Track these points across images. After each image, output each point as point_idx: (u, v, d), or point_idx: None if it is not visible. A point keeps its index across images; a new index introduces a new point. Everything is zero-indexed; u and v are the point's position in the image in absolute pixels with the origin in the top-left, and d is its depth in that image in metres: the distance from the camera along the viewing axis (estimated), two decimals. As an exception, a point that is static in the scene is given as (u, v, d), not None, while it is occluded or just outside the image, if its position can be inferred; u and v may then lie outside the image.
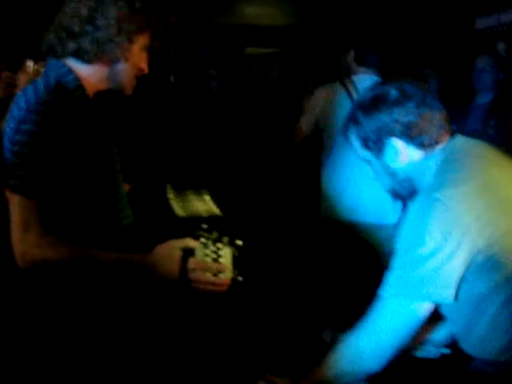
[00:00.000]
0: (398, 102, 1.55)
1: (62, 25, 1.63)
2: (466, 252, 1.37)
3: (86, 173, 1.63)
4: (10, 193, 1.56)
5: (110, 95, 1.78)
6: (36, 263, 1.56)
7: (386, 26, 6.01)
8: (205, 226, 1.72)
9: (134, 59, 1.70)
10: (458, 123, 3.77)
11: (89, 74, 1.68)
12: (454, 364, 1.69)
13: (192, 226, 1.72)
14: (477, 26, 5.20)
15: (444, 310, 1.54)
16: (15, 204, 1.55)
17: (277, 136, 4.12)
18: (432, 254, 1.37)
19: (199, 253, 1.68)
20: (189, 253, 1.65)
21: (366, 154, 1.65)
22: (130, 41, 1.66)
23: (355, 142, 1.66)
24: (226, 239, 1.71)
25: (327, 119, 3.39)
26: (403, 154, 1.57)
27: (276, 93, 4.27)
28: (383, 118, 1.56)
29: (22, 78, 2.63)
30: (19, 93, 1.66)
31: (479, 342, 1.48)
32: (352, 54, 3.53)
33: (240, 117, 4.60)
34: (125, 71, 1.70)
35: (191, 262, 1.64)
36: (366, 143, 1.62)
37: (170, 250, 1.64)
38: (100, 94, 1.74)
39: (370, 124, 1.59)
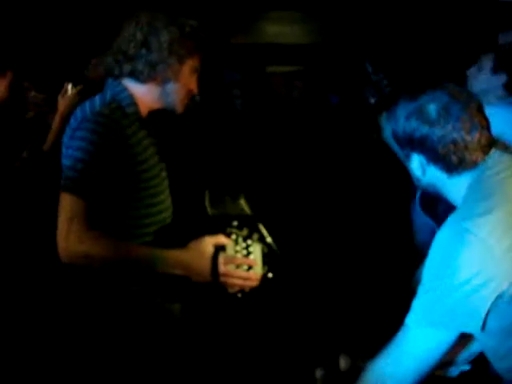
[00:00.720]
0: (433, 123, 1.48)
1: (120, 49, 1.81)
2: (497, 285, 1.34)
3: (132, 181, 1.78)
4: (61, 192, 1.70)
5: (163, 116, 1.92)
6: (78, 258, 1.68)
7: (408, 43, 6.02)
8: (235, 223, 1.80)
9: (185, 80, 1.85)
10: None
11: (143, 93, 1.83)
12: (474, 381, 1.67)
13: (223, 223, 1.79)
14: (500, 41, 5.17)
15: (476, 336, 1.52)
16: (64, 202, 1.69)
17: (299, 152, 4.14)
18: (462, 285, 1.35)
19: (230, 249, 1.77)
20: (220, 249, 1.75)
21: (394, 145, 1.61)
22: (181, 62, 1.82)
23: (386, 130, 1.62)
24: (256, 236, 1.80)
25: None
26: (424, 170, 1.55)
27: (299, 110, 4.29)
28: (413, 131, 1.51)
29: (61, 102, 2.76)
30: (82, 104, 1.83)
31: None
32: None
33: (265, 134, 4.63)
34: (176, 91, 1.85)
35: (222, 257, 1.74)
36: (396, 141, 1.58)
37: (203, 246, 1.76)
38: (154, 114, 1.89)
39: (404, 129, 1.53)
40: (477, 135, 1.48)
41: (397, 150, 1.62)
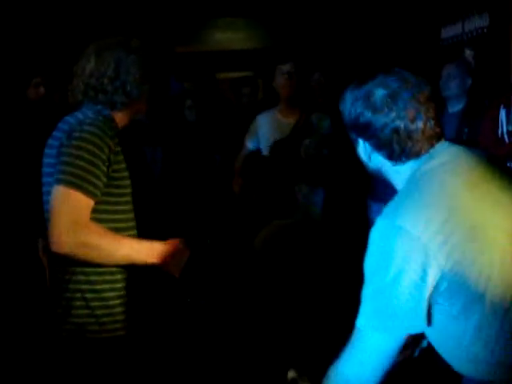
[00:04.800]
0: (375, 110, 1.45)
1: (91, 86, 1.95)
2: (432, 277, 1.32)
3: (109, 192, 1.88)
4: (58, 186, 1.78)
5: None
6: (80, 248, 1.77)
7: (353, 41, 6.08)
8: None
9: (146, 91, 2.02)
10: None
11: (117, 115, 1.98)
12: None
13: None
14: (442, 35, 5.25)
15: (426, 335, 1.50)
16: (64, 195, 1.78)
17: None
18: (397, 283, 1.33)
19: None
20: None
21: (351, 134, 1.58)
22: (145, 83, 1.98)
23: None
24: None
25: None
26: (370, 156, 1.53)
27: (247, 116, 4.28)
28: (358, 116, 1.48)
29: None
30: (66, 117, 1.94)
31: (467, 362, 1.45)
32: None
33: (219, 143, 4.63)
34: (142, 104, 2.04)
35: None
36: (344, 123, 1.56)
37: (179, 243, 1.98)
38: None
39: (349, 114, 1.51)
40: (421, 125, 1.45)
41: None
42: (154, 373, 2.17)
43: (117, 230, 1.90)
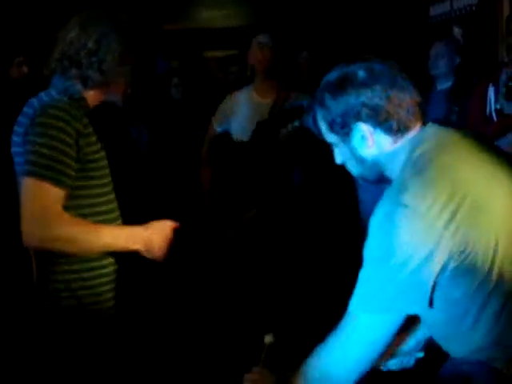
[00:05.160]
0: (365, 84, 1.44)
1: (67, 54, 1.85)
2: (440, 259, 1.30)
3: (82, 169, 1.80)
4: (26, 178, 1.71)
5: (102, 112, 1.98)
6: (54, 241, 1.71)
7: (340, 20, 6.03)
8: None
9: (126, 78, 1.95)
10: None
11: (89, 93, 1.88)
12: (429, 368, 1.67)
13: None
14: (431, 13, 5.22)
15: (421, 316, 1.50)
16: (32, 188, 1.71)
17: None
18: (403, 265, 1.31)
19: None
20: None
21: (333, 137, 1.55)
22: (127, 65, 1.91)
23: (321, 125, 1.56)
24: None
25: None
26: (370, 139, 1.48)
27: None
28: (350, 100, 1.46)
29: None
30: (31, 100, 1.86)
31: (460, 345, 1.44)
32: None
33: (205, 121, 4.59)
34: (119, 89, 1.95)
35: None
36: (332, 127, 1.52)
37: (163, 224, 1.90)
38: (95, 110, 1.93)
39: (337, 107, 1.48)
40: (412, 96, 1.46)
41: (337, 143, 1.56)
42: (144, 359, 2.14)
43: (99, 214, 1.85)
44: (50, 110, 1.74)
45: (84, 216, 1.82)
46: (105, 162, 1.87)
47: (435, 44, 4.01)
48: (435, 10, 5.16)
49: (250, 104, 3.44)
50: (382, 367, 1.75)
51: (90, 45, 1.83)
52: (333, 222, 3.72)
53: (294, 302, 3.31)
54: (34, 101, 1.83)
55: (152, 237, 1.85)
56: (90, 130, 1.82)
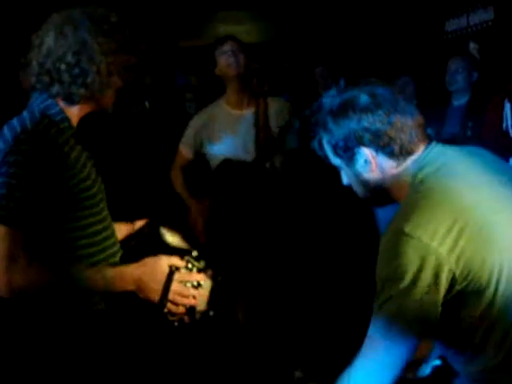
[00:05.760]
0: (367, 109, 1.46)
1: (45, 68, 1.62)
2: (444, 284, 1.32)
3: (72, 202, 1.63)
4: None
5: (93, 121, 1.79)
6: (22, 290, 1.56)
7: (356, 36, 6.06)
8: (194, 254, 1.74)
9: (113, 83, 1.70)
10: (435, 127, 3.78)
11: (73, 111, 1.68)
12: (445, 377, 1.66)
13: (182, 251, 1.74)
14: (446, 28, 5.23)
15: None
16: (0, 234, 1.53)
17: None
18: (410, 289, 1.32)
19: (183, 274, 1.71)
20: (175, 269, 1.68)
21: (338, 161, 1.56)
22: (111, 71, 1.67)
23: (327, 149, 1.57)
24: (209, 272, 1.73)
25: None
26: (373, 163, 1.49)
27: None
28: (351, 125, 1.47)
29: None
30: (12, 121, 1.63)
31: (469, 364, 1.45)
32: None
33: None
34: (107, 97, 1.71)
35: (177, 275, 1.68)
36: (336, 150, 1.53)
37: (158, 263, 1.68)
38: (83, 121, 1.74)
39: (339, 131, 1.49)
40: (414, 119, 1.48)
41: (341, 166, 1.57)
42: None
43: (93, 245, 1.69)
44: (23, 146, 1.54)
45: (82, 248, 1.67)
46: (88, 183, 1.68)
47: (453, 59, 4.01)
48: (451, 26, 5.17)
49: (229, 119, 3.04)
50: (411, 376, 1.76)
51: (69, 57, 1.60)
52: (351, 240, 3.70)
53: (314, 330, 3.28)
54: (15, 123, 1.61)
55: (144, 278, 1.66)
56: (76, 153, 1.65)
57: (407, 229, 1.34)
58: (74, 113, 1.69)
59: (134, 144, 3.95)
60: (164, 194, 3.60)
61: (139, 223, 1.97)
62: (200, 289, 1.72)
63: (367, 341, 1.42)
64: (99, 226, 1.71)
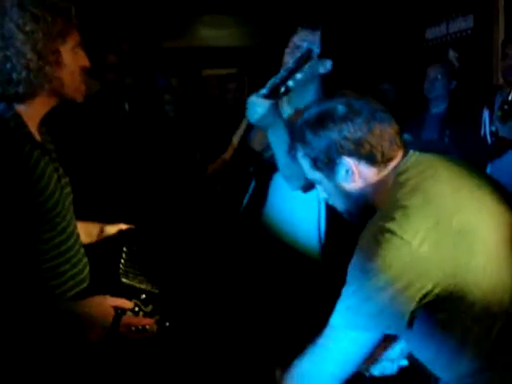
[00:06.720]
0: (346, 118, 1.46)
1: None
2: (423, 286, 1.31)
3: (30, 215, 1.49)
4: None
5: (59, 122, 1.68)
6: None
7: (338, 42, 6.08)
8: (143, 297, 1.71)
9: (71, 64, 1.53)
10: (414, 133, 3.80)
11: (29, 108, 1.52)
12: (412, 377, 1.68)
13: (132, 292, 1.70)
14: (427, 36, 5.27)
15: (404, 338, 1.50)
16: None
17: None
18: (383, 289, 1.31)
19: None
20: (121, 313, 1.62)
21: (316, 174, 1.55)
22: (60, 58, 1.50)
23: (304, 163, 1.56)
24: (156, 317, 1.72)
25: None
26: (356, 172, 1.49)
27: (232, 113, 4.26)
28: (332, 135, 1.47)
29: None
30: None
31: (445, 370, 1.44)
32: None
33: (197, 139, 4.59)
34: (65, 81, 1.53)
35: (125, 319, 1.62)
36: (315, 163, 1.52)
37: (104, 305, 1.59)
38: (47, 121, 1.61)
39: (319, 143, 1.48)
40: (392, 126, 1.49)
41: (320, 179, 1.56)
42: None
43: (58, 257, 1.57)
44: None
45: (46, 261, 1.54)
46: (61, 205, 1.55)
47: (432, 67, 4.04)
48: (431, 34, 5.21)
49: None
50: (365, 372, 1.76)
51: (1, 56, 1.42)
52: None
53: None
54: None
55: (87, 316, 1.54)
56: (35, 159, 1.48)
57: (389, 226, 1.34)
58: (31, 115, 1.53)
59: (113, 147, 3.91)
60: (142, 198, 3.58)
61: (110, 229, 1.89)
62: (145, 333, 1.69)
63: (327, 330, 1.42)
64: (64, 244, 1.59)
